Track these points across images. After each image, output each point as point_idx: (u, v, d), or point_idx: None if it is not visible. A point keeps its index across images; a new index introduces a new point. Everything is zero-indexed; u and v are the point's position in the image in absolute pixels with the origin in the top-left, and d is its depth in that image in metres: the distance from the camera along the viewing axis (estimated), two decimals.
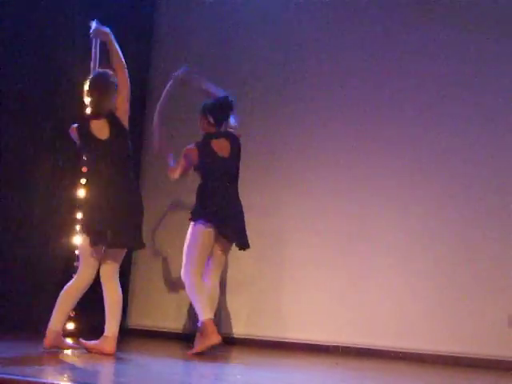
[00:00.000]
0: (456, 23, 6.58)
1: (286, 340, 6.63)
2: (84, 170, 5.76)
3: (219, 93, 6.03)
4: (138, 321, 7.14)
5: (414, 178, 6.56)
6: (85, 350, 5.36)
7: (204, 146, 5.92)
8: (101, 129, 5.39)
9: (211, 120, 5.96)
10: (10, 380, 3.96)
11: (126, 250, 5.51)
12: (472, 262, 6.32)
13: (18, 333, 6.07)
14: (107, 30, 5.52)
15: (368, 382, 5.12)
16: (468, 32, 6.54)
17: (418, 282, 6.42)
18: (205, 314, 5.69)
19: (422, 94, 6.62)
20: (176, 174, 5.99)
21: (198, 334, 5.83)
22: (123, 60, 5.45)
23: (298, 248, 6.75)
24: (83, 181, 5.92)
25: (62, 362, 4.96)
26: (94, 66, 5.65)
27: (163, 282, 7.03)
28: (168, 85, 6.06)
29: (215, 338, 5.65)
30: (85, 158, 5.65)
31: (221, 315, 6.64)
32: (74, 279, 5.42)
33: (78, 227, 5.83)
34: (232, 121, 6.04)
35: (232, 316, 6.84)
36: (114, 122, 5.39)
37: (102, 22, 5.57)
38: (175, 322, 6.99)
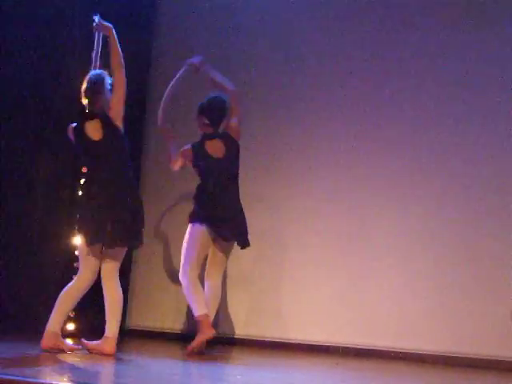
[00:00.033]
0: (456, 23, 6.58)
1: (286, 340, 6.63)
2: (84, 170, 5.76)
3: (229, 86, 6.03)
4: (138, 321, 7.13)
5: (413, 178, 6.56)
6: (86, 351, 5.36)
7: (198, 148, 5.96)
8: (94, 130, 5.39)
9: (205, 120, 5.98)
10: (10, 380, 3.96)
11: (125, 249, 5.50)
12: (472, 262, 6.31)
13: (18, 333, 6.08)
14: (110, 25, 5.52)
15: (368, 382, 5.12)
16: (468, 32, 6.54)
17: (417, 282, 6.42)
18: (199, 310, 5.75)
19: (422, 94, 6.62)
20: (176, 167, 6.04)
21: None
22: (122, 58, 5.43)
23: (298, 248, 6.75)
24: (82, 181, 5.91)
25: (61, 362, 4.95)
26: (96, 58, 5.62)
27: (163, 283, 7.03)
28: (182, 70, 6.08)
29: (209, 332, 5.71)
30: (82, 158, 5.65)
31: (221, 315, 6.64)
32: (74, 280, 5.41)
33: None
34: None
35: (232, 316, 6.84)
36: (106, 122, 5.37)
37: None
38: (175, 323, 6.99)
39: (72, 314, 5.92)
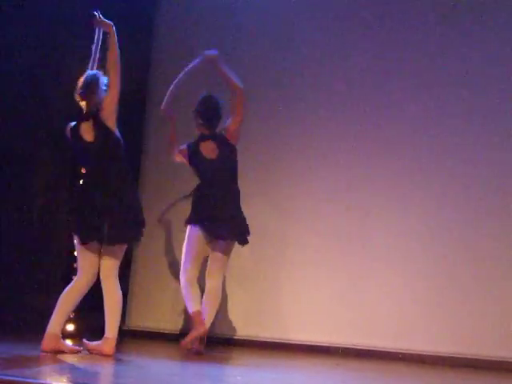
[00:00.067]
0: (456, 23, 6.58)
1: (286, 341, 6.63)
2: (83, 170, 5.76)
3: (238, 84, 6.01)
4: (137, 322, 7.12)
5: (413, 178, 6.56)
6: (86, 351, 5.36)
7: (193, 148, 6.00)
8: (88, 131, 5.38)
9: (199, 120, 5.99)
10: (10, 381, 3.96)
11: (125, 247, 5.49)
12: (472, 262, 6.31)
13: (18, 334, 6.07)
14: (110, 22, 5.52)
15: (368, 382, 5.13)
16: (468, 32, 6.54)
17: (417, 282, 6.42)
18: (193, 307, 5.82)
19: (422, 94, 6.62)
20: (174, 160, 6.12)
21: None
22: (119, 57, 5.40)
23: (298, 248, 6.75)
24: (81, 181, 5.90)
25: (61, 363, 4.95)
26: (96, 51, 5.61)
27: (163, 284, 7.02)
28: (197, 59, 6.09)
29: (201, 328, 5.75)
30: (78, 158, 5.65)
31: (221, 316, 6.63)
32: (73, 281, 5.40)
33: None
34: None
35: (232, 317, 6.83)
36: (98, 123, 5.37)
37: None
38: (175, 324, 6.98)
39: (72, 315, 5.91)
